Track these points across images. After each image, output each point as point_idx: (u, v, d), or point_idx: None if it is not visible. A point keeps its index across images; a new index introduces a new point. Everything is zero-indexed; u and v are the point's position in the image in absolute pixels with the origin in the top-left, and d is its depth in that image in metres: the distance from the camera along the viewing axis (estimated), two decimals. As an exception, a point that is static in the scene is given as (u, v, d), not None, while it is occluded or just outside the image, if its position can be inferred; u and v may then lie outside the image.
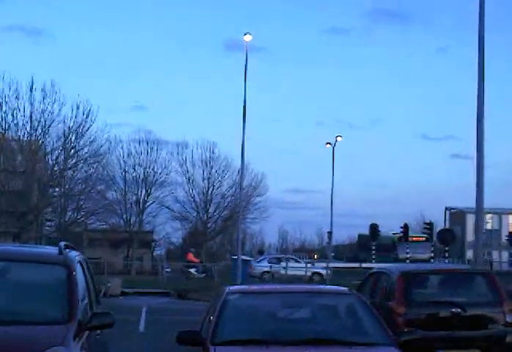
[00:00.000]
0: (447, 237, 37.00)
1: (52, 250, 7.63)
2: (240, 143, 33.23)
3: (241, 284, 30.58)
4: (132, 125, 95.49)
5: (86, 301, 7.30)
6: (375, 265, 47.84)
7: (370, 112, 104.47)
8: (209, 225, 60.94)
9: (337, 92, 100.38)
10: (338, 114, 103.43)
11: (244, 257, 36.32)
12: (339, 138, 47.50)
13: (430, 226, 41.19)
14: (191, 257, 43.34)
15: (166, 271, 45.22)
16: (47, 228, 55.85)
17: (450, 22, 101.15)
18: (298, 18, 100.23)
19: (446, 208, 59.29)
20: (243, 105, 32.96)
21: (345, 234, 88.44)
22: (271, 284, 12.48)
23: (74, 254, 7.60)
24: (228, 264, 38.84)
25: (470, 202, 60.62)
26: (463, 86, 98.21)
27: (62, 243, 7.48)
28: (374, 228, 48.19)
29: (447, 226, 54.48)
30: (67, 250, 7.48)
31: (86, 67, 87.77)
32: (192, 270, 39.01)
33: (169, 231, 62.67)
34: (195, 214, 60.57)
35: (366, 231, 51.66)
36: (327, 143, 47.74)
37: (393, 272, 10.97)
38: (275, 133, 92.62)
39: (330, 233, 48.33)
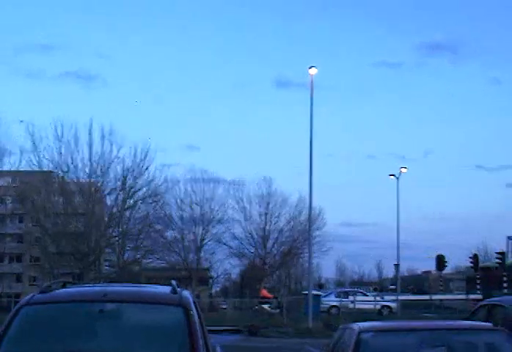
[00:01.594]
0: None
1: (164, 289, 7.15)
2: (308, 179, 32.81)
3: (313, 319, 29.87)
4: (184, 165, 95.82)
5: (203, 344, 6.75)
6: (450, 297, 46.61)
7: (423, 144, 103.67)
8: (267, 261, 60.30)
9: (389, 124, 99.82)
10: (390, 147, 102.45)
11: (315, 292, 35.59)
12: (403, 170, 46.57)
13: (502, 255, 39.69)
14: (265, 293, 43.04)
15: (223, 308, 44.66)
16: (106, 267, 55.83)
17: (502, 52, 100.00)
18: (349, 53, 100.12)
19: (508, 237, 57.64)
20: (309, 141, 32.67)
21: (404, 266, 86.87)
22: (405, 320, 11.63)
23: (187, 293, 7.09)
24: (295, 299, 38.09)
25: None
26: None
27: (175, 282, 6.99)
28: (441, 259, 46.98)
29: (510, 255, 52.93)
30: (179, 289, 6.99)
31: (139, 109, 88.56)
32: (266, 306, 38.45)
33: (227, 268, 62.30)
34: (253, 250, 60.08)
35: (431, 263, 50.09)
36: (391, 175, 46.86)
37: (511, 304, 10.22)
38: (328, 167, 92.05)
39: (397, 265, 47.22)
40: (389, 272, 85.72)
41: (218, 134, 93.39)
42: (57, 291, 7.20)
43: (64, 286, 7.59)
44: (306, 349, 23.35)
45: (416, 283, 69.82)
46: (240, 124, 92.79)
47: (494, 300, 11.67)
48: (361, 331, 7.12)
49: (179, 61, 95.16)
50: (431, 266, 56.82)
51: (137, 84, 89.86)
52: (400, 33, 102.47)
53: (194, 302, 7.11)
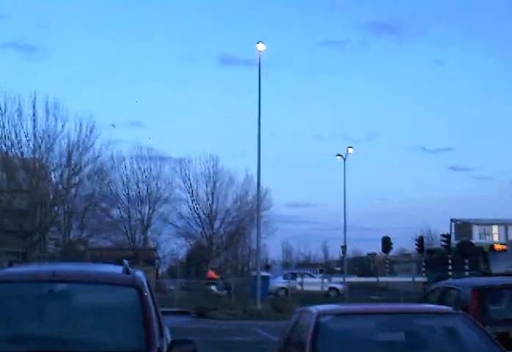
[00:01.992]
0: (467, 249, 36.18)
1: (115, 269, 6.87)
2: (256, 159, 32.96)
3: (261, 301, 29.79)
4: (129, 142, 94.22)
5: (157, 326, 6.50)
6: (397, 279, 46.79)
7: (367, 125, 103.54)
8: (214, 241, 60.16)
9: (334, 105, 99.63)
10: (337, 127, 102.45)
11: (263, 273, 35.52)
12: (350, 150, 46.75)
13: (447, 238, 40.04)
14: (211, 274, 42.74)
15: (170, 288, 44.38)
16: (51, 247, 55.02)
17: (445, 34, 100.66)
18: (293, 31, 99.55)
19: (451, 220, 58.27)
20: (257, 120, 32.58)
21: (349, 247, 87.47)
22: (364, 303, 11.48)
23: (140, 274, 6.84)
24: (243, 280, 37.98)
25: (471, 214, 59.03)
26: (459, 97, 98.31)
27: (127, 261, 6.73)
28: (386, 241, 47.22)
29: (453, 237, 53.56)
30: (132, 269, 6.72)
31: (83, 83, 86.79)
32: (213, 288, 38.19)
33: (173, 248, 61.83)
34: (200, 230, 59.81)
35: (377, 245, 50.27)
36: (338, 155, 47.01)
37: (464, 287, 10.18)
38: (274, 146, 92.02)
39: (344, 247, 47.38)
40: (335, 253, 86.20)
41: (164, 111, 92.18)
42: (3, 270, 6.90)
43: (10, 265, 7.29)
44: (254, 331, 23.29)
45: (361, 265, 70.38)
46: (186, 101, 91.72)
47: (447, 283, 11.64)
48: (319, 315, 6.88)
49: (126, 35, 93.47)
50: (377, 248, 57.33)
51: (81, 57, 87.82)
52: (344, 12, 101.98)
53: (147, 283, 6.87)
